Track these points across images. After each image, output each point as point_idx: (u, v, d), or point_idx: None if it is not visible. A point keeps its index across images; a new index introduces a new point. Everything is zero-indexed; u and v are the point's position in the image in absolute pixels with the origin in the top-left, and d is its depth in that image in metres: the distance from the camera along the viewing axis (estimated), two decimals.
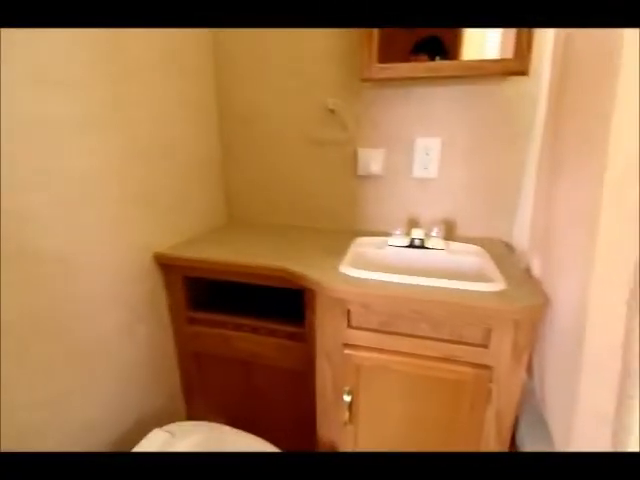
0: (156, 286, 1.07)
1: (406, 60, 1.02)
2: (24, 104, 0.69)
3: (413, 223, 1.19)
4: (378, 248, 1.08)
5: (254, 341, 1.07)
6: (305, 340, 1.00)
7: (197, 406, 1.21)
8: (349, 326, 0.89)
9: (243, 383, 1.14)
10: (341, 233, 1.22)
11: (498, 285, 0.80)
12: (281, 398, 1.11)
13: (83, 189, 0.82)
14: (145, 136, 0.98)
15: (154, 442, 0.88)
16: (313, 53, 1.15)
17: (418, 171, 1.16)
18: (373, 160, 1.19)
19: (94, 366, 0.90)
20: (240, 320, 1.08)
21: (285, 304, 1.09)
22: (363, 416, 0.94)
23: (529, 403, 0.88)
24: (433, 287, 0.81)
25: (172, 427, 0.93)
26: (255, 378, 1.12)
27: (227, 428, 0.94)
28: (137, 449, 0.87)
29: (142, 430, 1.02)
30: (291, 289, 0.97)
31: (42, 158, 0.73)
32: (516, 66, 0.93)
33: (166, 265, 1.07)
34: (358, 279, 0.86)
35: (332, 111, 1.19)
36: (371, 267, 0.90)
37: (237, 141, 1.31)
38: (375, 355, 0.88)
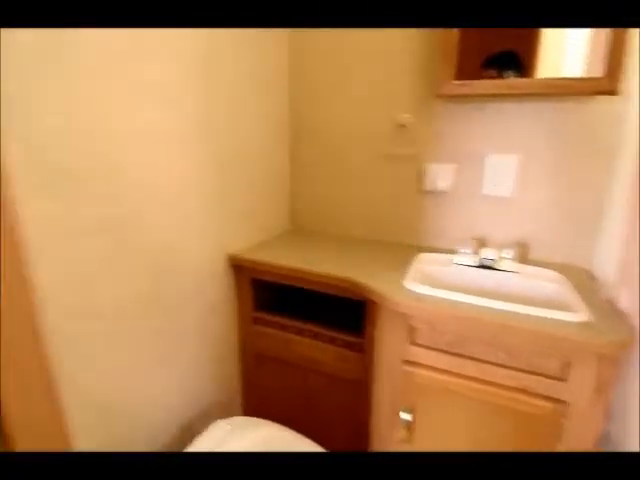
0: (228, 286, 1.14)
1: (477, 74, 1.01)
2: (135, 114, 0.79)
3: (480, 242, 1.15)
4: (443, 266, 1.06)
5: (314, 347, 1.10)
6: (364, 351, 1.01)
7: (253, 403, 1.25)
8: (412, 343, 0.88)
9: (300, 387, 1.16)
10: (404, 248, 1.22)
11: (581, 315, 0.75)
12: (336, 406, 1.12)
13: (175, 192, 0.92)
14: (227, 146, 1.07)
15: (216, 434, 0.93)
16: (387, 68, 1.18)
17: (489, 189, 1.13)
18: (441, 176, 1.17)
19: (174, 352, 0.98)
20: (302, 325, 1.11)
21: (346, 313, 1.11)
22: (421, 436, 0.92)
23: (602, 447, 0.81)
24: (507, 312, 0.78)
25: (233, 420, 0.98)
26: (312, 383, 1.14)
27: (285, 429, 0.96)
28: (200, 439, 0.92)
29: (204, 418, 1.10)
30: (352, 299, 0.99)
31: (146, 163, 0.83)
32: (606, 85, 0.88)
33: (237, 266, 1.13)
34: (424, 295, 0.85)
35: (402, 126, 1.20)
36: (436, 284, 0.89)
37: (306, 152, 1.36)
38: (438, 376, 0.86)
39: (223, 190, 1.08)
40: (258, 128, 1.19)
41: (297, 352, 1.13)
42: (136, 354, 0.88)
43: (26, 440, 0.34)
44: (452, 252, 1.09)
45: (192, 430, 1.07)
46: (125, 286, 0.82)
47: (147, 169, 0.84)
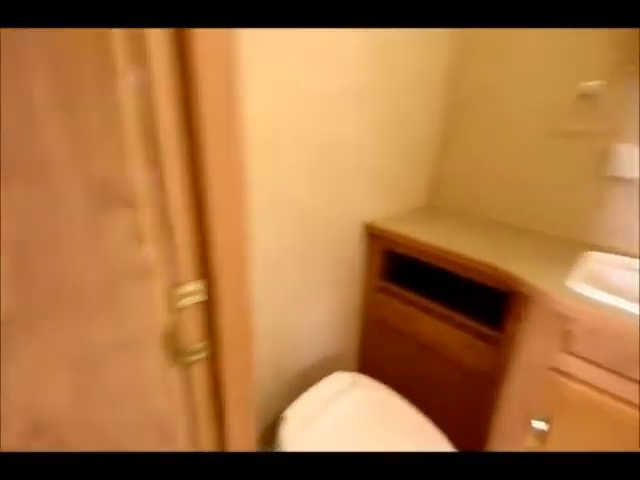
0: (360, 251, 1.18)
1: None
2: (311, 80, 0.85)
3: None
4: (622, 270, 0.88)
5: (439, 328, 1.07)
6: (499, 345, 0.94)
7: (369, 366, 1.31)
8: (565, 350, 0.77)
9: (417, 364, 1.16)
10: (567, 242, 1.05)
11: None
12: (455, 392, 1.09)
13: (334, 157, 0.98)
14: (384, 115, 1.06)
15: (338, 382, 1.01)
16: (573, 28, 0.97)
17: None
18: (637, 160, 0.95)
19: (313, 299, 1.09)
20: (429, 303, 1.09)
21: (480, 300, 1.04)
22: (554, 450, 0.83)
23: None
24: None
25: (354, 376, 1.04)
26: (431, 364, 1.12)
27: (402, 399, 0.98)
28: (324, 383, 1.01)
29: (325, 364, 1.19)
30: (491, 288, 0.91)
31: (321, 127, 0.91)
32: None
33: (372, 235, 1.15)
34: (592, 299, 0.73)
35: (588, 96, 1.00)
36: (609, 290, 0.75)
37: (459, 124, 1.26)
38: (591, 392, 0.75)
39: (372, 158, 1.09)
40: (411, 96, 1.14)
41: (420, 329, 1.11)
42: (290, 293, 1.01)
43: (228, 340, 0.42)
44: (636, 256, 0.90)
45: (314, 370, 1.17)
46: (286, 236, 0.94)
47: (320, 133, 0.91)
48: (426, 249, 1.02)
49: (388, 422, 0.91)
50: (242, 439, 0.48)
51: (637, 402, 0.70)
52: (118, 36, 0.29)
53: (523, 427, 0.86)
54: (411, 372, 1.19)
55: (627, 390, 0.71)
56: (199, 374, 0.42)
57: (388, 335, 1.22)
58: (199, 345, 0.41)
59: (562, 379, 0.78)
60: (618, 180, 0.99)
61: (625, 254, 0.94)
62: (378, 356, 1.27)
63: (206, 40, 0.31)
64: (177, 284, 0.37)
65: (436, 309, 1.07)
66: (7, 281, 0.29)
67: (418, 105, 1.19)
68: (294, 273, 1.00)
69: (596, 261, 0.90)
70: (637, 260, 0.88)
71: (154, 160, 0.32)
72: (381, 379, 1.07)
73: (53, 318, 0.31)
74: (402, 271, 1.18)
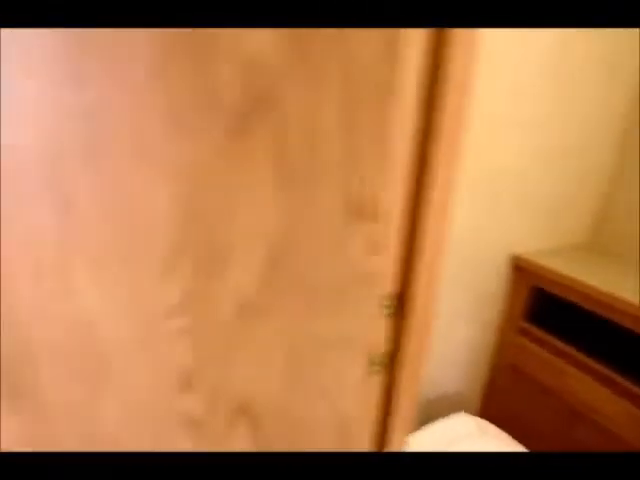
0: (501, 285, 1.08)
1: None
2: (485, 104, 0.83)
3: None
4: None
5: (593, 390, 0.91)
6: None
7: (491, 414, 1.17)
8: None
9: (557, 425, 1.01)
10: None
11: None
12: None
13: (489, 178, 0.93)
14: (551, 142, 0.97)
15: (463, 424, 0.94)
16: None
17: None
18: None
19: (444, 329, 1.04)
20: (583, 358, 0.93)
21: None
22: None
23: None
24: None
25: (480, 421, 0.95)
26: (578, 432, 0.96)
27: None
28: (447, 423, 0.94)
29: (443, 399, 1.12)
30: None
31: (487, 155, 0.89)
32: None
33: (519, 268, 1.05)
34: None
35: None
36: None
37: None
38: None
39: (531, 186, 1.00)
40: (586, 123, 1.02)
41: (566, 386, 0.96)
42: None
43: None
44: None
45: (433, 403, 1.11)
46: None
47: (480, 157, 0.89)
48: (586, 291, 0.89)
49: None
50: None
51: None
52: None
53: None
54: (547, 432, 1.03)
55: None
56: (377, 383, 0.44)
57: (522, 384, 1.08)
58: (385, 355, 0.42)
59: None
60: None
61: None
62: (506, 405, 1.14)
63: (461, 45, 0.31)
64: (383, 295, 0.39)
65: (592, 367, 0.92)
66: (257, 270, 0.34)
67: (593, 134, 1.05)
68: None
69: None
70: None
71: (397, 177, 0.34)
72: (506, 430, 0.96)
73: (286, 310, 0.35)
74: (551, 314, 1.05)
